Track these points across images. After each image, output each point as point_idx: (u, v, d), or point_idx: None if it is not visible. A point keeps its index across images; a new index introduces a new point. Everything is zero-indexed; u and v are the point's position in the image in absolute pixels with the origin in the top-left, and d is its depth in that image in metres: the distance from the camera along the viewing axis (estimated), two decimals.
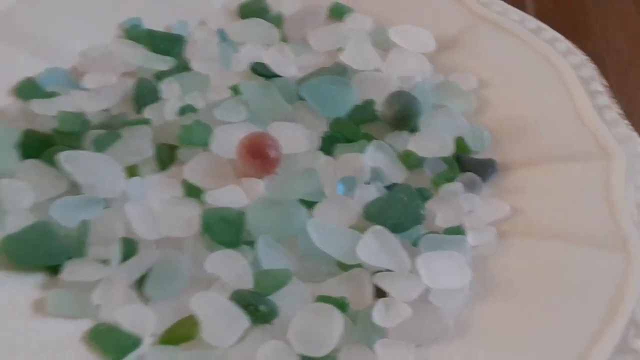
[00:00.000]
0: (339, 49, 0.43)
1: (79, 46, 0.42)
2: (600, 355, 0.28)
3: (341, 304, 0.31)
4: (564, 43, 0.43)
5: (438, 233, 0.34)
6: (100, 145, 0.36)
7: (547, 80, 0.41)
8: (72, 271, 0.31)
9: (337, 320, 0.30)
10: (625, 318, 0.29)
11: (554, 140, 0.38)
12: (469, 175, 0.37)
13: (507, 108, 0.40)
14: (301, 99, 0.40)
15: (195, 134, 0.37)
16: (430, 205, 0.36)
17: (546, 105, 0.40)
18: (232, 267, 0.32)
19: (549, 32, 0.43)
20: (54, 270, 0.32)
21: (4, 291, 0.30)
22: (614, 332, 0.28)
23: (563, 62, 0.41)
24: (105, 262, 0.32)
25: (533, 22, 0.44)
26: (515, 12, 0.45)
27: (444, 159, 0.38)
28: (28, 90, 0.39)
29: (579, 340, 0.29)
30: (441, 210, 0.35)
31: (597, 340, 0.28)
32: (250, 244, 0.33)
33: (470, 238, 0.34)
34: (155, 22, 0.44)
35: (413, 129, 0.39)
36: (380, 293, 0.32)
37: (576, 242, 0.33)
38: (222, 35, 0.44)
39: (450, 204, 0.35)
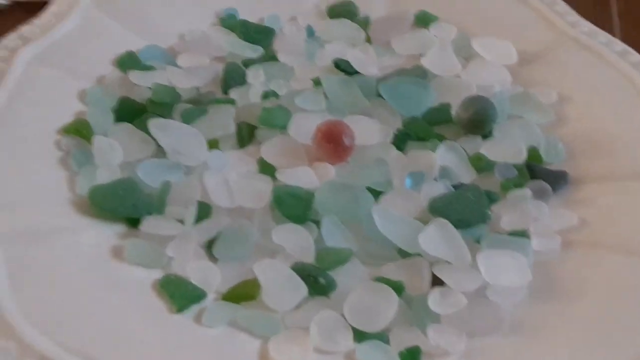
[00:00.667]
0: (421, 55, 0.44)
1: (178, 29, 0.45)
2: None
3: (398, 287, 0.31)
4: None
5: (502, 234, 0.35)
6: (188, 118, 0.39)
7: (628, 101, 0.40)
8: (151, 225, 0.33)
9: (392, 300, 0.31)
10: None
11: (629, 159, 0.37)
12: (539, 182, 0.37)
13: (585, 124, 0.40)
14: (379, 96, 0.41)
15: (275, 117, 0.39)
16: (496, 208, 0.36)
17: (624, 125, 0.39)
18: (296, 240, 0.33)
19: (635, 56, 0.43)
20: (134, 223, 0.34)
21: (88, 234, 0.33)
22: None
23: None
24: (181, 221, 0.34)
25: (620, 45, 0.44)
26: (602, 34, 0.45)
27: (515, 166, 0.38)
28: (128, 62, 0.42)
29: (630, 352, 0.28)
30: (507, 214, 0.36)
31: None
32: (317, 223, 0.34)
33: (534, 243, 0.34)
34: (250, 14, 0.46)
35: (487, 135, 0.40)
36: (437, 283, 0.32)
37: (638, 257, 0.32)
38: (310, 32, 0.46)
39: (517, 208, 0.36)
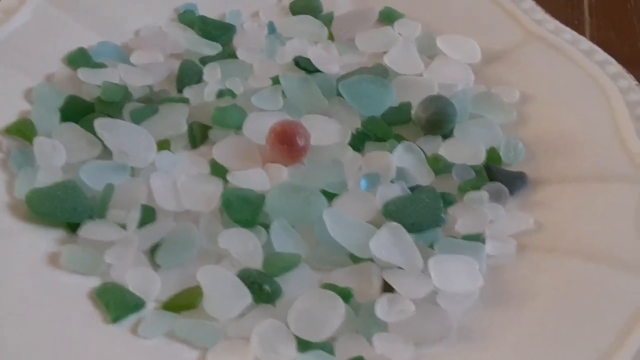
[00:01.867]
0: (384, 53, 0.43)
1: (134, 25, 0.43)
2: None
3: (345, 294, 0.31)
4: (615, 67, 0.41)
5: (456, 238, 0.34)
6: (137, 117, 0.37)
7: (592, 101, 0.40)
8: (89, 230, 0.32)
9: (338, 309, 0.30)
10: (637, 345, 0.27)
11: (591, 160, 0.37)
12: (496, 185, 0.36)
13: (547, 124, 0.39)
14: (339, 95, 0.40)
15: (229, 116, 0.38)
16: (452, 210, 0.35)
17: (587, 125, 0.38)
18: (243, 245, 0.32)
19: (601, 55, 0.42)
20: (74, 228, 0.33)
21: (22, 240, 0.31)
22: (624, 353, 0.27)
23: (611, 84, 0.40)
24: (123, 226, 0.33)
25: (586, 43, 0.43)
26: (568, 32, 0.44)
27: (474, 167, 0.37)
28: (79, 59, 0.40)
29: (584, 357, 0.27)
30: (463, 217, 0.35)
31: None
32: (267, 227, 0.33)
33: (489, 247, 0.33)
34: (211, 10, 0.45)
35: (447, 135, 0.39)
36: (388, 289, 0.31)
37: (598, 262, 0.31)
38: (272, 28, 0.45)
39: (473, 211, 0.35)
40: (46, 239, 0.32)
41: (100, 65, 0.40)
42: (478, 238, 0.34)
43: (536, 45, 0.43)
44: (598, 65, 0.41)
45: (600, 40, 0.47)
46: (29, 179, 0.34)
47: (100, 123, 0.36)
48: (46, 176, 0.34)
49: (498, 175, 0.37)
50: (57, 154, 0.35)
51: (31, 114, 0.37)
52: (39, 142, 0.35)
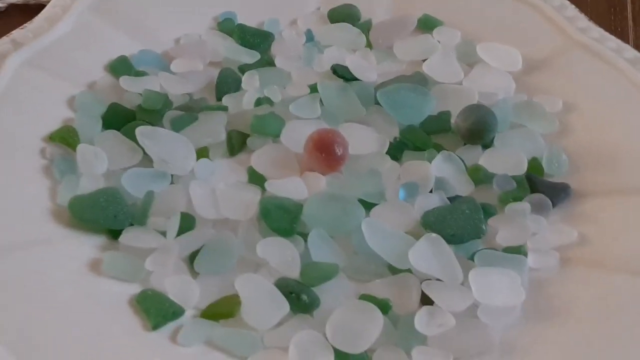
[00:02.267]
0: (423, 61, 0.43)
1: (174, 34, 0.44)
2: None
3: (384, 305, 0.30)
4: None
5: (497, 250, 0.33)
6: (178, 125, 0.38)
7: (637, 111, 0.39)
8: (130, 237, 0.33)
9: (376, 320, 0.29)
10: None
11: (636, 172, 0.36)
12: (539, 196, 0.35)
13: (591, 134, 0.39)
14: (377, 104, 0.40)
15: (267, 125, 0.38)
16: (493, 221, 0.35)
17: (632, 136, 0.38)
18: (281, 254, 0.32)
19: None
20: (115, 234, 0.33)
21: (66, 246, 0.32)
22: None
23: None
24: (163, 233, 0.33)
25: (631, 52, 0.42)
26: (613, 41, 0.43)
27: (515, 178, 0.36)
28: (120, 67, 0.41)
29: None
30: (504, 228, 0.34)
31: None
32: (304, 236, 0.33)
33: (531, 260, 0.33)
34: (249, 18, 0.45)
35: (487, 145, 0.38)
36: (427, 301, 0.31)
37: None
38: (310, 36, 0.45)
39: (515, 222, 0.34)
40: (88, 245, 0.32)
41: (142, 74, 0.41)
42: (520, 250, 0.33)
43: (579, 54, 0.42)
44: None
45: None
46: (71, 186, 0.34)
47: (141, 131, 0.36)
48: (88, 183, 0.34)
49: (540, 187, 0.36)
50: (99, 162, 0.35)
51: (74, 122, 0.37)
52: (81, 149, 0.35)
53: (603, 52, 0.42)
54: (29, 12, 0.44)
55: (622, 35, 0.47)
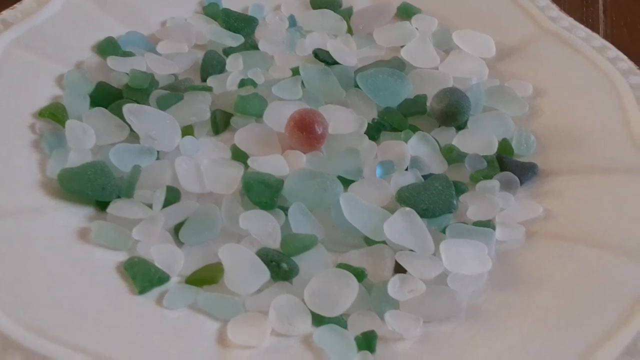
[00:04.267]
0: (402, 47, 0.44)
1: (161, 17, 0.45)
2: (604, 357, 0.28)
3: (359, 273, 0.32)
4: (626, 63, 0.42)
5: (467, 224, 0.35)
6: (163, 104, 0.39)
7: (603, 96, 0.41)
8: (118, 208, 0.34)
9: (352, 287, 0.31)
10: (638, 328, 0.28)
11: (600, 152, 0.38)
12: (507, 174, 0.37)
13: (559, 118, 0.41)
14: (357, 87, 0.41)
15: (250, 105, 0.39)
16: (464, 198, 0.36)
17: (598, 119, 0.40)
18: (262, 226, 0.34)
19: (614, 52, 0.43)
20: (103, 206, 0.34)
21: (55, 216, 0.33)
22: (624, 336, 0.28)
23: (622, 80, 0.41)
24: (149, 205, 0.34)
25: (599, 40, 0.44)
26: (582, 30, 0.45)
27: (486, 158, 0.38)
28: (108, 48, 0.42)
29: (586, 338, 0.29)
30: (474, 204, 0.36)
31: (604, 342, 0.28)
32: (285, 210, 0.35)
33: (498, 233, 0.35)
34: (234, 3, 0.46)
35: (460, 127, 0.40)
36: (400, 271, 0.33)
37: (603, 249, 0.33)
38: (292, 21, 0.46)
39: (484, 199, 0.36)
40: (77, 215, 0.34)
41: (128, 54, 0.42)
42: (488, 224, 0.35)
43: (550, 41, 0.44)
44: (610, 61, 0.42)
45: (614, 38, 0.48)
46: (60, 160, 0.35)
47: (128, 108, 0.37)
48: (77, 157, 0.35)
49: (509, 166, 0.38)
50: (87, 137, 0.36)
51: (62, 99, 0.38)
52: (70, 125, 0.37)
53: (572, 40, 0.44)
54: None
55: (593, 26, 0.50)
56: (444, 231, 0.34)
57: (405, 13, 0.47)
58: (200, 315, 0.31)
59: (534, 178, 0.38)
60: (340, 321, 0.31)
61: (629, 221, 0.34)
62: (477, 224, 0.35)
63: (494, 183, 0.37)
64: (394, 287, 0.31)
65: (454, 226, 0.34)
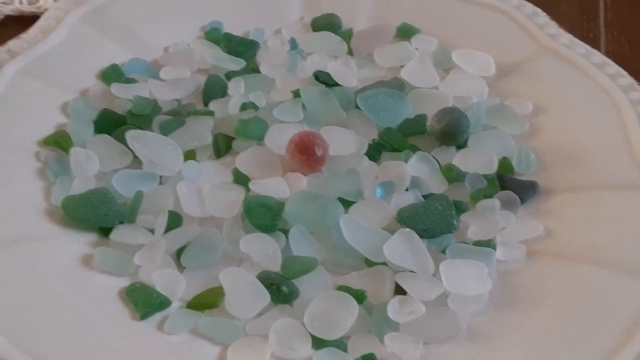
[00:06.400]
0: (402, 67, 0.44)
1: (163, 43, 0.46)
2: None
3: (359, 295, 0.32)
4: (626, 79, 0.42)
5: (468, 244, 0.35)
6: (166, 129, 0.40)
7: (604, 112, 0.41)
8: (120, 233, 0.34)
9: (352, 309, 0.31)
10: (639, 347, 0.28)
11: (600, 170, 0.38)
12: (508, 193, 0.37)
13: (559, 135, 0.41)
14: (357, 107, 0.42)
15: (251, 128, 0.40)
16: (465, 217, 0.36)
17: (598, 136, 0.40)
18: (263, 249, 0.34)
19: (614, 68, 0.43)
20: (106, 232, 0.35)
21: (59, 243, 0.34)
22: (626, 355, 0.28)
23: (622, 96, 0.41)
24: (151, 230, 0.35)
25: (599, 57, 0.44)
26: (582, 46, 0.45)
27: (486, 177, 0.38)
28: (112, 75, 0.43)
29: (588, 357, 0.28)
30: (475, 224, 0.36)
31: None
32: (286, 232, 0.35)
33: (499, 252, 0.35)
34: (236, 28, 0.47)
35: (461, 146, 0.40)
36: (400, 292, 0.33)
37: (604, 267, 0.32)
38: (293, 44, 0.46)
39: (485, 218, 0.36)
40: (80, 242, 0.34)
41: (132, 81, 0.43)
42: (489, 244, 0.35)
43: (549, 59, 0.44)
44: (610, 77, 0.42)
45: (615, 54, 0.48)
46: (64, 187, 0.36)
47: (131, 135, 0.38)
48: (81, 184, 0.36)
49: (510, 184, 0.38)
50: (91, 164, 0.37)
51: (67, 127, 0.39)
52: (74, 152, 0.37)
53: (572, 57, 0.44)
54: (24, 22, 0.46)
55: (594, 41, 0.50)
56: (444, 251, 0.34)
57: (405, 33, 0.47)
58: (201, 340, 0.31)
59: (535, 196, 0.38)
60: (340, 344, 0.31)
61: (629, 238, 0.34)
62: (478, 243, 0.35)
63: (495, 202, 0.37)
64: (394, 309, 0.31)
65: (455, 246, 0.34)
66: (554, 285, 0.33)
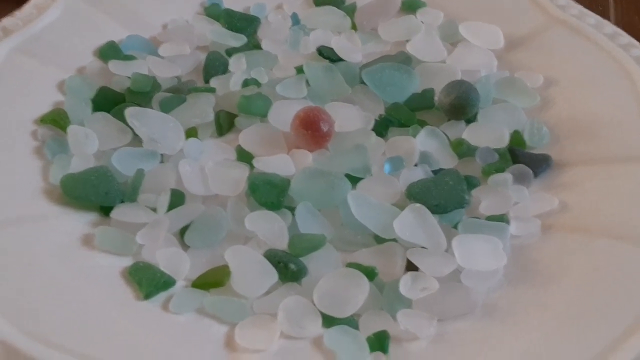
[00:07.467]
0: (407, 41, 0.43)
1: (162, 19, 0.45)
2: (626, 355, 0.26)
3: (369, 272, 0.31)
4: (639, 49, 0.41)
5: (480, 219, 0.34)
6: (166, 106, 0.38)
7: (616, 83, 0.39)
8: (121, 212, 0.33)
9: (362, 286, 0.30)
10: None
11: (615, 141, 0.37)
12: (520, 167, 0.36)
13: (571, 107, 0.39)
14: (363, 83, 0.41)
15: (254, 105, 0.39)
16: (476, 192, 0.35)
17: (611, 107, 0.38)
18: (269, 227, 0.33)
19: (626, 38, 0.42)
20: (107, 211, 0.34)
21: (59, 222, 0.33)
22: None
23: (636, 67, 0.40)
24: (153, 209, 0.34)
25: (610, 27, 0.43)
26: (592, 17, 0.44)
27: (497, 150, 0.37)
28: (109, 52, 0.42)
29: (608, 334, 0.27)
30: (487, 198, 0.35)
31: (627, 337, 0.27)
32: (292, 210, 0.34)
33: (513, 227, 0.34)
34: (236, 3, 0.46)
35: (470, 120, 0.39)
36: (412, 269, 0.32)
37: (622, 240, 0.31)
38: (295, 19, 0.45)
39: (497, 193, 0.35)
40: (80, 221, 0.33)
41: (130, 58, 0.41)
42: (502, 219, 0.34)
43: (559, 30, 0.43)
44: (622, 48, 0.41)
45: (625, 25, 0.47)
46: (63, 166, 0.35)
47: (130, 112, 0.37)
48: (79, 162, 0.35)
49: (522, 158, 0.37)
50: (89, 142, 0.36)
51: (64, 105, 0.38)
52: (72, 130, 0.36)
53: (582, 27, 0.43)
54: (19, 1, 0.44)
55: (603, 14, 0.48)
56: (456, 227, 0.33)
57: (410, 7, 0.46)
58: (207, 319, 0.30)
59: (548, 170, 0.36)
60: (352, 322, 0.30)
61: None
62: (491, 218, 0.34)
63: (507, 176, 0.36)
64: (406, 285, 0.30)
65: (467, 221, 0.33)
66: (572, 260, 0.32)
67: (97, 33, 0.42)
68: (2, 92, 0.38)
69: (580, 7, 0.44)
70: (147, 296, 0.30)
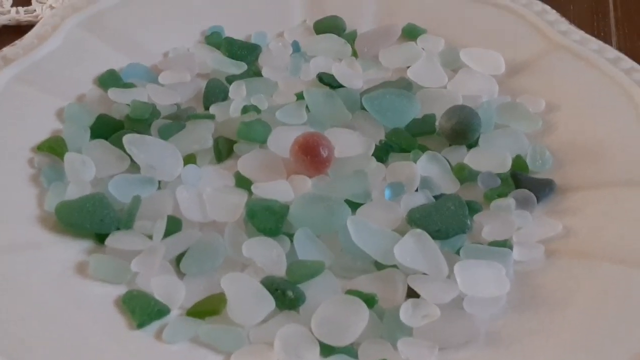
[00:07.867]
0: (408, 67, 0.43)
1: (163, 48, 0.45)
2: None
3: (369, 299, 0.30)
4: None
5: (483, 245, 0.33)
6: (165, 133, 0.38)
7: (619, 108, 0.39)
8: (117, 240, 0.33)
9: (362, 314, 0.29)
10: None
11: (618, 165, 0.36)
12: (523, 191, 0.36)
13: (574, 132, 0.39)
14: (363, 109, 0.40)
15: (253, 131, 0.38)
16: (479, 217, 0.35)
17: (614, 132, 0.38)
18: (267, 253, 0.32)
19: (628, 62, 0.42)
20: (101, 239, 0.33)
21: (53, 250, 0.32)
22: None
23: (638, 91, 0.39)
24: (149, 236, 0.33)
25: (612, 52, 0.43)
26: (594, 42, 0.44)
27: (500, 175, 0.37)
28: (109, 80, 0.42)
29: None
30: (489, 224, 0.34)
31: None
32: (291, 236, 0.33)
33: (516, 253, 0.33)
34: (237, 32, 0.46)
35: (472, 145, 0.39)
36: (413, 296, 0.31)
37: (627, 266, 0.31)
38: (296, 47, 0.45)
39: (500, 218, 0.34)
40: (75, 249, 0.33)
41: (130, 86, 0.41)
42: (505, 244, 0.33)
43: (561, 55, 0.43)
44: (624, 72, 0.41)
45: (627, 52, 0.46)
46: (58, 193, 0.34)
47: (128, 139, 0.37)
48: (76, 190, 0.35)
49: (525, 183, 0.36)
50: (86, 169, 0.36)
51: (63, 132, 0.38)
52: (69, 157, 0.36)
53: (584, 52, 0.42)
54: (21, 32, 0.45)
55: (605, 40, 0.48)
56: (458, 252, 0.33)
57: (411, 34, 0.46)
58: (202, 349, 0.29)
59: (551, 195, 0.36)
60: (351, 351, 0.29)
61: None
62: (493, 244, 0.33)
63: (510, 201, 0.35)
64: (407, 312, 0.29)
65: (469, 247, 0.33)
66: (577, 285, 0.31)
67: (98, 61, 0.42)
68: (0, 119, 0.37)
69: (582, 33, 0.44)
70: (140, 325, 0.30)
